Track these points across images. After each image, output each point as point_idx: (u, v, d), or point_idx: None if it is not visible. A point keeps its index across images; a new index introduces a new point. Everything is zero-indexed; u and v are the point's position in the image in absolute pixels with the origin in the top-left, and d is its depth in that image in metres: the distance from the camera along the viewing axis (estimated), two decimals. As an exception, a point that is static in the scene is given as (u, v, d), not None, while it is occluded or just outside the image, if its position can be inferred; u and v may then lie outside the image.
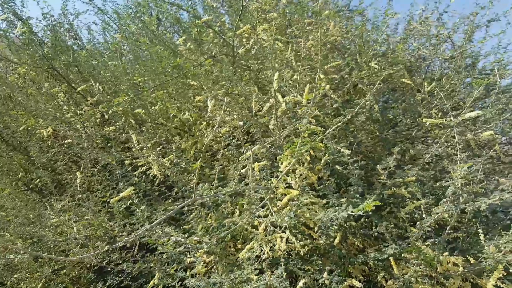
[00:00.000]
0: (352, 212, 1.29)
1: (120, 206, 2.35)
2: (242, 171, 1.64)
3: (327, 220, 1.54)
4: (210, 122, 2.58)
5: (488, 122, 2.14)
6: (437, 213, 1.60)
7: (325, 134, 1.92)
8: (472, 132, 2.01)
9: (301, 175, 1.63)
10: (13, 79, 3.46)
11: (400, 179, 1.98)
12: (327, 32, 2.70)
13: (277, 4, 2.96)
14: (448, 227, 1.70)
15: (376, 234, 2.08)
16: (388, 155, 2.52)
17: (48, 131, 2.93)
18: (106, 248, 1.23)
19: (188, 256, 1.72)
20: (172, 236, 1.45)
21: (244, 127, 1.85)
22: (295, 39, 2.80)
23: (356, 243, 2.06)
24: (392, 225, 2.06)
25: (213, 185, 2.00)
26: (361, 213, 1.21)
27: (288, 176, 1.63)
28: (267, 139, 1.81)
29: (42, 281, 2.42)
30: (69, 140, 2.42)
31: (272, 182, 1.60)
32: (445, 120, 1.85)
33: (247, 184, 1.60)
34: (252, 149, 1.52)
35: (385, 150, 2.50)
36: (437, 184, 1.97)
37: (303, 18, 2.55)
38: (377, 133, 2.33)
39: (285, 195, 1.61)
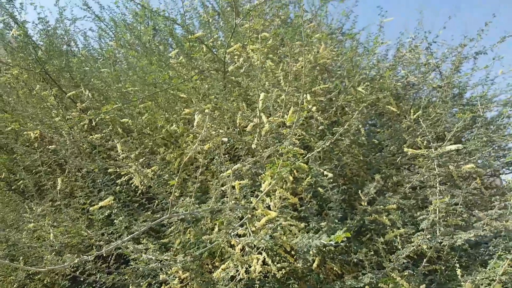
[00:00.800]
0: (324, 241, 1.30)
1: (100, 214, 2.33)
2: (222, 188, 1.64)
3: (303, 245, 1.53)
4: (197, 135, 2.58)
5: (472, 154, 2.17)
6: (413, 245, 1.60)
7: (309, 155, 1.93)
8: (454, 163, 2.03)
9: (280, 197, 1.63)
10: (5, 79, 3.45)
11: (381, 206, 1.99)
12: (317, 55, 2.74)
13: (271, 23, 3.01)
14: (425, 260, 1.70)
15: (355, 260, 2.08)
16: (372, 179, 2.54)
17: (36, 133, 2.91)
18: (76, 261, 1.21)
19: (162, 272, 1.70)
20: (145, 253, 1.43)
21: (228, 144, 1.86)
22: (286, 59, 2.84)
23: (334, 268, 2.05)
24: (372, 252, 2.06)
25: (192, 200, 1.99)
26: (334, 241, 1.21)
27: (268, 197, 1.63)
28: (249, 158, 1.82)
29: (15, 286, 2.37)
30: (53, 146, 2.41)
31: (251, 202, 1.60)
32: (426, 151, 1.87)
33: (226, 202, 1.59)
34: (232, 168, 1.52)
35: (369, 174, 2.52)
36: (418, 213, 1.98)
37: (294, 40, 2.59)
38: (361, 157, 2.35)
39: (264, 215, 1.61)
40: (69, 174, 2.65)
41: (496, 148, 2.58)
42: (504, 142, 2.53)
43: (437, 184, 1.74)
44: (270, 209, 1.65)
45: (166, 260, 1.42)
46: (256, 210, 1.62)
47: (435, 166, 1.83)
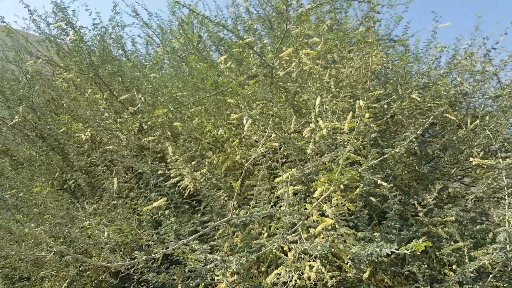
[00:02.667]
0: (396, 250, 1.24)
1: (148, 215, 2.38)
2: (277, 193, 1.62)
3: (363, 254, 1.48)
4: (243, 140, 2.59)
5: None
6: (485, 259, 1.51)
7: (362, 164, 1.88)
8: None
9: (337, 204, 1.59)
10: (59, 83, 3.63)
11: (439, 218, 1.90)
12: (368, 60, 2.68)
13: (318, 30, 2.99)
14: (491, 275, 1.60)
15: (407, 273, 2.00)
16: (424, 190, 2.44)
17: (87, 135, 3.03)
18: (144, 258, 1.23)
19: (216, 274, 1.69)
20: (207, 253, 1.43)
21: (281, 149, 1.84)
22: (334, 65, 2.80)
23: (385, 279, 1.98)
24: (425, 266, 1.97)
25: (244, 204, 1.99)
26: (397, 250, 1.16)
27: (324, 204, 1.60)
28: (305, 163, 1.79)
29: (67, 281, 2.45)
30: (111, 147, 2.48)
31: (306, 208, 1.57)
32: (494, 161, 1.78)
33: (280, 207, 1.57)
34: (290, 172, 1.50)
35: (421, 185, 2.42)
36: (478, 227, 1.88)
37: (346, 45, 2.55)
38: (416, 167, 2.26)
39: (318, 222, 1.57)
40: (116, 175, 2.73)
41: None
42: None
43: (506, 196, 1.64)
44: (326, 216, 1.61)
45: (224, 261, 1.41)
46: (310, 216, 1.59)
47: (504, 177, 1.73)
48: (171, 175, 2.38)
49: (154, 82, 3.20)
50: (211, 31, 3.17)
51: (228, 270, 1.55)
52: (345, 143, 1.73)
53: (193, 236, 1.28)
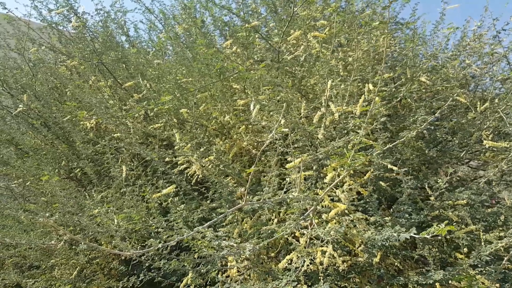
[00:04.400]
0: (415, 234, 1.23)
1: (157, 202, 2.37)
2: (288, 179, 1.61)
3: (379, 239, 1.48)
4: (250, 126, 2.57)
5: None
6: (499, 243, 1.50)
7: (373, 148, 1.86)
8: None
9: (350, 189, 1.58)
10: (62, 70, 3.59)
11: (450, 202, 1.89)
12: (376, 43, 2.64)
13: (326, 13, 2.93)
14: (506, 258, 1.60)
15: (417, 256, 2.00)
16: (433, 174, 2.42)
17: (92, 123, 3.01)
18: (159, 245, 1.23)
19: (230, 260, 1.70)
20: (223, 240, 1.43)
21: (292, 134, 1.82)
22: (341, 48, 2.75)
23: (395, 263, 1.98)
24: (436, 249, 1.97)
25: (252, 191, 1.97)
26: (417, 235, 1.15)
27: (337, 189, 1.58)
28: (316, 149, 1.77)
29: (77, 269, 2.47)
30: (118, 134, 2.46)
31: (317, 194, 1.56)
32: (507, 143, 1.75)
33: (292, 193, 1.56)
34: (302, 158, 1.48)
35: (431, 169, 2.40)
36: (489, 210, 1.87)
37: (355, 27, 2.50)
38: (425, 151, 2.24)
39: (330, 208, 1.56)
40: (122, 163, 2.72)
41: None
42: None
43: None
44: (337, 201, 1.60)
45: (237, 247, 1.41)
46: (322, 202, 1.58)
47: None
48: (179, 162, 2.37)
49: (159, 69, 3.16)
50: (215, 16, 3.12)
51: (242, 256, 1.55)
52: (358, 127, 1.71)
53: (207, 223, 1.27)
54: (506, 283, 1.66)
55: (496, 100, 2.62)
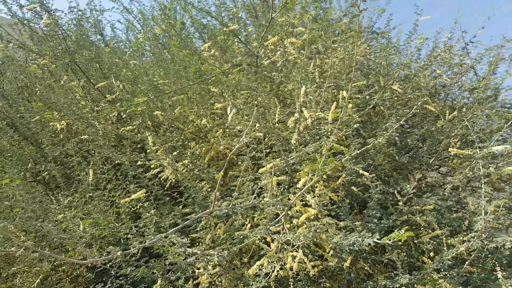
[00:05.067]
0: (378, 240, 1.25)
1: (127, 207, 2.31)
2: (261, 184, 1.60)
3: (346, 244, 1.49)
4: (227, 130, 2.55)
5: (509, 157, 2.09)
6: (463, 247, 1.54)
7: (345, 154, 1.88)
8: (493, 166, 1.96)
9: (320, 194, 1.59)
10: (32, 69, 3.47)
11: (418, 207, 1.93)
12: (352, 51, 2.68)
13: (303, 20, 2.96)
14: (467, 262, 1.64)
15: (386, 260, 2.03)
16: (404, 180, 2.47)
17: (62, 125, 2.91)
18: (119, 253, 1.19)
19: (197, 267, 1.67)
20: (187, 247, 1.40)
21: (265, 139, 1.82)
22: (317, 55, 2.78)
23: (365, 268, 2.01)
24: (404, 253, 2.01)
25: (227, 195, 1.96)
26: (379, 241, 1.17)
27: (308, 194, 1.59)
28: (290, 153, 1.78)
29: (40, 277, 2.37)
30: (86, 136, 2.39)
31: (290, 199, 1.56)
32: (471, 151, 1.81)
33: (264, 198, 1.56)
34: (274, 163, 1.48)
35: (401, 175, 2.45)
36: (454, 215, 1.92)
37: (331, 35, 2.54)
38: (396, 157, 2.29)
39: (301, 213, 1.56)
40: (93, 166, 2.64)
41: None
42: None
43: (483, 185, 1.68)
44: (308, 206, 1.61)
45: (204, 254, 1.39)
46: (294, 207, 1.58)
47: (480, 167, 1.76)
48: (151, 166, 2.33)
49: (135, 69, 3.11)
50: (194, 18, 3.09)
51: (210, 263, 1.52)
52: (329, 134, 1.72)
53: (174, 229, 1.25)
54: (469, 285, 1.71)
55: (464, 109, 2.71)
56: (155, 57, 3.40)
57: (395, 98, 2.57)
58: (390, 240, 1.18)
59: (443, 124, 2.50)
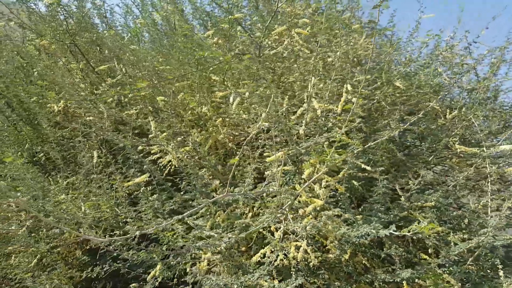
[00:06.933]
0: (395, 231, 1.26)
1: (126, 192, 2.30)
2: (267, 173, 1.60)
3: (353, 235, 1.50)
4: (228, 119, 2.54)
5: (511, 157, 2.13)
6: (472, 243, 1.56)
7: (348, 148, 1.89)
8: (495, 165, 1.99)
9: (328, 186, 1.60)
10: (30, 49, 3.40)
11: (418, 203, 1.95)
12: (355, 46, 2.69)
13: (304, 12, 2.95)
14: (471, 258, 1.67)
15: (383, 255, 2.05)
16: (402, 177, 2.50)
17: (59, 106, 2.87)
18: (137, 233, 1.18)
19: (204, 252, 1.67)
20: (204, 230, 1.40)
21: (272, 129, 1.82)
22: (320, 48, 2.78)
23: (363, 261, 2.03)
24: (402, 249, 2.03)
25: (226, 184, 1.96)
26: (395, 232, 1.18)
27: (315, 185, 1.60)
28: (296, 144, 1.78)
29: (37, 257, 2.35)
30: (91, 118, 2.36)
31: (296, 189, 1.56)
32: (478, 150, 1.84)
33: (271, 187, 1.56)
34: (283, 152, 1.49)
35: (400, 171, 2.48)
36: (454, 213, 1.95)
37: (335, 28, 2.54)
38: (397, 154, 2.31)
39: (307, 203, 1.57)
40: (90, 149, 2.61)
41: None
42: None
43: (489, 184, 1.71)
44: (316, 197, 1.62)
45: (214, 238, 1.39)
46: (300, 197, 1.59)
47: (487, 165, 1.79)
48: (152, 152, 2.31)
49: (134, 54, 3.07)
50: (196, 5, 3.06)
51: (217, 248, 1.53)
52: (339, 125, 1.73)
53: (187, 213, 1.24)
54: (468, 283, 1.74)
55: (464, 109, 2.75)
56: (154, 44, 3.36)
57: (397, 95, 2.59)
58: (409, 232, 1.19)
59: (444, 123, 2.53)
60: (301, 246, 1.55)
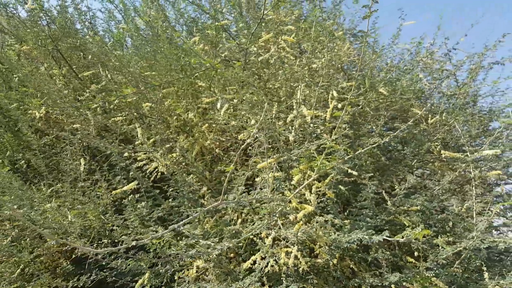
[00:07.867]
0: (388, 237, 1.29)
1: (111, 199, 2.27)
2: (258, 179, 1.61)
3: (344, 240, 1.52)
4: (214, 125, 2.54)
5: (492, 161, 2.20)
6: (461, 247, 1.60)
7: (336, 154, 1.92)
8: (477, 169, 2.06)
9: (318, 192, 1.62)
10: (9, 55, 3.32)
11: (404, 207, 2.00)
12: (339, 53, 2.74)
13: (289, 19, 2.99)
14: (457, 261, 1.71)
15: (370, 259, 2.08)
16: (386, 181, 2.55)
17: (41, 113, 2.81)
18: (134, 243, 1.17)
19: (196, 259, 1.66)
20: (200, 240, 1.39)
21: (262, 136, 1.83)
22: (305, 55, 2.82)
23: (351, 265, 2.05)
24: (388, 252, 2.07)
25: (216, 190, 1.96)
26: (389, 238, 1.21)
27: (305, 191, 1.61)
28: (287, 150, 1.79)
29: (21, 267, 2.29)
30: (78, 125, 2.32)
31: (287, 195, 1.58)
32: (462, 155, 1.89)
33: (260, 193, 1.57)
34: (274, 158, 1.50)
35: (384, 175, 2.53)
36: (439, 216, 2.00)
37: (316, 36, 2.58)
38: (382, 158, 2.36)
39: (298, 209, 1.59)
40: (72, 157, 2.57)
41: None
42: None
43: (474, 188, 1.76)
44: (306, 203, 1.63)
45: (206, 246, 1.38)
46: (290, 203, 1.61)
47: (471, 170, 1.85)
48: (138, 158, 2.29)
49: (119, 60, 3.04)
50: (181, 11, 3.06)
51: (210, 256, 1.52)
52: (327, 132, 1.76)
53: (182, 222, 1.24)
54: (454, 285, 1.79)
55: (444, 114, 2.83)
56: (137, 49, 3.33)
57: (380, 100, 2.64)
58: (403, 238, 1.22)
59: (425, 127, 2.59)
60: (291, 252, 1.56)
